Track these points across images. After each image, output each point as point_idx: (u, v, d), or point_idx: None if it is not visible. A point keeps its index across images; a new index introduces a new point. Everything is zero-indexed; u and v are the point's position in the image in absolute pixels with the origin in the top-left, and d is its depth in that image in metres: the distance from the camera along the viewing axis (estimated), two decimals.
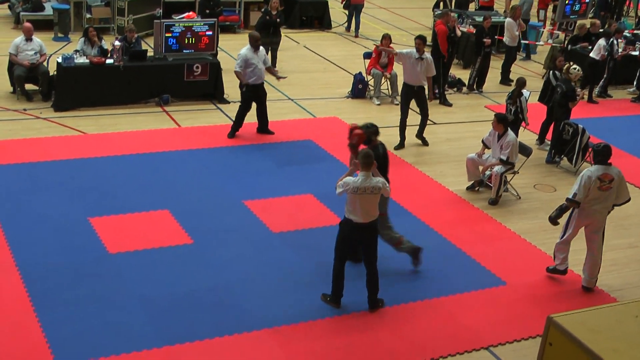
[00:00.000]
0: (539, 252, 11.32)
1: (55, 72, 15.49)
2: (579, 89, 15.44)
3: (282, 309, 9.43)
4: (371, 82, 17.66)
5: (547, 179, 14.04)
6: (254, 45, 14.19)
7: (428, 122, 15.61)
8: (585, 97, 18.26)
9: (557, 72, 15.15)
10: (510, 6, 20.37)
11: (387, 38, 17.13)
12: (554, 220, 10.49)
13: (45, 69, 15.74)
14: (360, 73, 17.82)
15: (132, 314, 9.07)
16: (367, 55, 18.07)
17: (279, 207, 11.93)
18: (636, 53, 19.82)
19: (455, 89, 18.69)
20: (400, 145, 14.72)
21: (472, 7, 23.64)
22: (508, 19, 19.22)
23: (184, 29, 16.16)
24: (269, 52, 18.71)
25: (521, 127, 14.52)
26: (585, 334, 6.40)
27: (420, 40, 14.55)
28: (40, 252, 10.15)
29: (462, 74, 19.34)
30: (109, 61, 15.47)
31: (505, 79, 19.47)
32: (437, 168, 13.97)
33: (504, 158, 12.55)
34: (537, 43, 22.92)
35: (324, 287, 9.86)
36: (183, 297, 9.47)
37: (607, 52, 18.53)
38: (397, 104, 17.15)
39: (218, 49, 17.66)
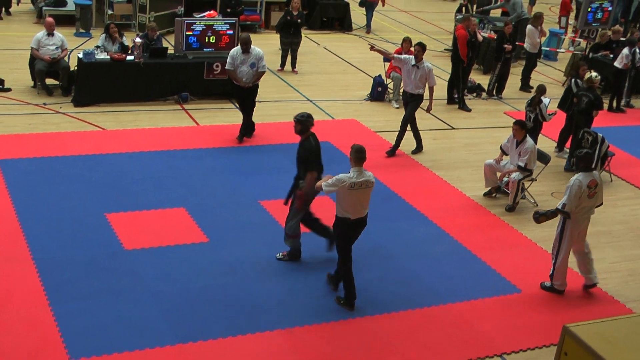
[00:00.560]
0: None
1: (75, 67, 15.56)
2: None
3: (295, 309, 9.43)
4: (390, 85, 17.63)
5: (564, 187, 13.82)
6: (242, 48, 13.97)
7: (446, 126, 15.58)
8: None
9: (578, 80, 15.06)
10: (533, 13, 20.27)
11: (407, 41, 17.09)
12: (538, 219, 10.45)
13: (66, 64, 15.81)
14: (379, 76, 17.81)
15: (146, 310, 9.09)
16: (387, 59, 18.03)
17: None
18: None
19: (474, 94, 18.64)
20: (392, 152, 14.44)
21: (493, 12, 23.58)
22: (529, 26, 19.16)
23: (204, 27, 16.19)
24: (289, 53, 18.76)
25: (540, 134, 14.46)
26: (600, 344, 6.38)
27: (420, 47, 14.17)
28: (57, 246, 10.20)
29: (482, 80, 19.29)
30: (130, 58, 15.52)
31: (525, 85, 19.42)
32: (455, 173, 13.93)
33: (522, 165, 12.50)
34: (558, 50, 22.84)
35: (339, 289, 9.86)
36: (197, 295, 9.49)
37: (630, 61, 18.43)
38: (397, 107, 17.15)
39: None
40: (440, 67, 20.39)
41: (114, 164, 12.78)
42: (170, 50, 16.54)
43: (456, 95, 17.73)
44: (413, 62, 14.14)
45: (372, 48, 14.75)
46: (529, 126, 13.46)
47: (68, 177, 12.16)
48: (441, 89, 18.24)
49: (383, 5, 24.46)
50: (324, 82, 18.25)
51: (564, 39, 23.67)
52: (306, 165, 10.08)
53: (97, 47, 15.71)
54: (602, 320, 7.07)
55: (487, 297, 10.14)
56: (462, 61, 17.35)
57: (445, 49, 22.32)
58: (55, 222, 10.79)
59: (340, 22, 23.88)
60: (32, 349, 8.19)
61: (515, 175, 12.58)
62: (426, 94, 14.39)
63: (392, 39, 22.84)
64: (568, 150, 14.89)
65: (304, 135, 10.19)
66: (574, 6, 25.08)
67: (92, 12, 20.55)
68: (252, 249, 10.62)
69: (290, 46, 18.72)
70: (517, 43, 19.98)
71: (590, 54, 20.03)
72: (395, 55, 14.78)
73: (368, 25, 24.03)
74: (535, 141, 13.44)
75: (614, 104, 18.71)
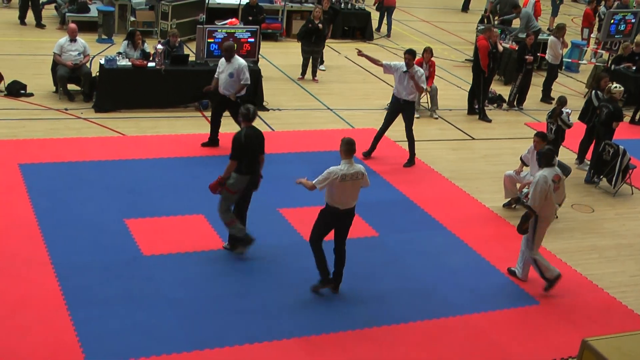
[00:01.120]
0: (574, 272, 11.19)
1: (97, 73, 15.64)
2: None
3: (311, 318, 9.42)
4: None
5: (585, 199, 13.89)
6: (225, 56, 13.77)
7: (466, 137, 15.54)
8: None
9: (599, 92, 14.98)
10: (555, 24, 20.17)
11: (428, 51, 17.08)
12: (523, 229, 10.50)
13: (88, 69, 15.90)
14: None
15: (164, 316, 9.11)
16: None
17: (314, 216, 11.89)
18: None
19: (495, 105, 18.57)
20: (368, 154, 14.34)
21: (515, 23, 23.50)
22: (552, 37, 19.08)
23: (226, 35, 16.23)
24: (310, 61, 18.78)
25: (561, 146, 14.39)
26: (620, 359, 6.31)
27: (410, 55, 14.09)
28: (75, 251, 10.24)
29: (503, 90, 19.23)
30: (151, 64, 15.58)
31: (546, 97, 19.33)
32: (474, 184, 13.88)
33: None
34: (580, 62, 22.73)
35: (355, 298, 9.88)
36: (214, 302, 9.50)
37: None
38: (437, 118, 17.14)
39: (259, 56, 17.71)
40: (461, 78, 20.36)
41: (134, 170, 12.82)
42: (192, 58, 16.59)
43: (477, 106, 17.68)
44: (405, 69, 14.07)
45: (359, 53, 14.72)
46: (550, 138, 13.40)
47: (88, 182, 12.22)
48: (462, 100, 18.23)
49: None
50: (344, 91, 18.25)
51: (586, 50, 23.56)
52: (230, 152, 10.26)
53: (119, 53, 15.79)
54: (621, 334, 7.02)
55: (505, 308, 10.09)
56: (483, 72, 17.29)
57: (466, 60, 22.28)
58: (75, 227, 10.83)
59: (361, 32, 23.89)
60: (49, 353, 8.23)
61: None
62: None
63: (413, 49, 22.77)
64: (588, 162, 14.80)
65: (243, 125, 10.43)
66: (596, 18, 24.94)
67: (115, 19, 20.67)
68: (270, 257, 10.61)
69: (311, 55, 18.73)
70: (538, 54, 19.93)
71: (613, 66, 19.92)
72: (384, 62, 14.66)
73: (388, 29, 24.37)
74: (557, 153, 13.35)
75: (637, 117, 18.58)
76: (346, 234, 9.90)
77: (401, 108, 14.27)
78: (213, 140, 14.16)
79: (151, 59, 15.79)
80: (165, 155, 13.54)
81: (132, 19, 20.73)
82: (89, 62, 16.10)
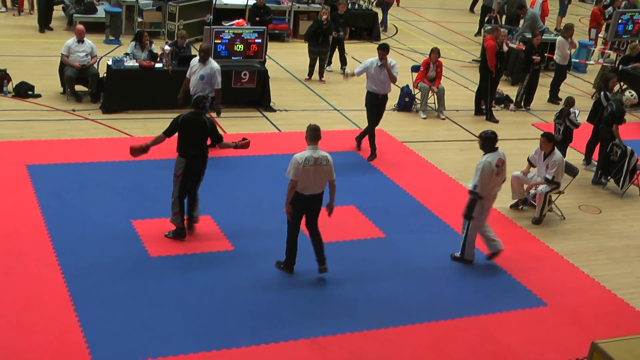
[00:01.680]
0: (582, 274, 11.17)
1: (105, 74, 15.67)
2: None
3: (319, 319, 9.42)
4: (418, 96, 17.58)
5: (592, 200, 13.86)
6: (200, 57, 13.65)
7: (473, 137, 15.48)
8: None
9: (608, 93, 14.93)
10: (563, 25, 20.10)
11: (435, 52, 17.09)
12: (468, 215, 10.81)
13: (95, 70, 15.93)
14: (407, 86, 17.77)
15: (171, 317, 9.11)
16: (414, 69, 18.02)
17: (321, 218, 11.83)
18: None
19: (502, 106, 18.54)
20: (373, 156, 14.43)
21: (522, 23, 23.47)
22: (560, 38, 19.04)
23: (233, 35, 16.25)
24: (317, 62, 18.77)
25: (568, 147, 14.36)
26: None
27: (383, 50, 14.19)
28: (83, 251, 10.26)
29: (510, 91, 19.20)
30: (158, 65, 15.60)
31: (553, 97, 19.29)
32: None
33: (550, 177, 12.41)
34: (587, 62, 22.68)
35: (362, 299, 9.88)
36: (221, 304, 9.50)
37: None
38: (444, 119, 17.12)
39: (266, 57, 17.72)
40: (468, 78, 20.33)
41: (141, 171, 12.84)
42: None
43: (484, 107, 17.65)
44: (379, 63, 14.15)
45: (345, 76, 15.05)
46: (557, 138, 13.39)
47: (95, 183, 12.24)
48: (469, 100, 18.20)
49: (397, 5, 24.68)
50: (351, 91, 18.22)
51: (594, 50, 23.50)
52: None
53: (127, 54, 15.81)
54: (631, 337, 6.99)
55: (513, 310, 10.07)
56: (491, 72, 17.26)
57: (473, 60, 22.24)
58: (82, 228, 10.86)
59: (368, 32, 23.88)
60: (57, 353, 8.25)
61: (543, 187, 12.49)
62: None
63: (420, 49, 22.80)
64: (595, 163, 14.77)
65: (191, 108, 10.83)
66: (604, 18, 24.90)
67: (122, 20, 20.70)
68: (277, 258, 10.60)
69: (318, 55, 18.73)
70: (546, 54, 19.89)
71: (620, 66, 19.87)
72: (355, 70, 14.72)
73: (384, 24, 24.83)
74: (564, 154, 13.35)
75: None
76: (315, 219, 10.19)
77: (379, 103, 14.46)
78: None
79: (158, 59, 15.81)
80: (172, 156, 13.44)
81: (140, 19, 20.76)
82: (96, 63, 16.12)
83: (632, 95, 14.38)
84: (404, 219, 12.24)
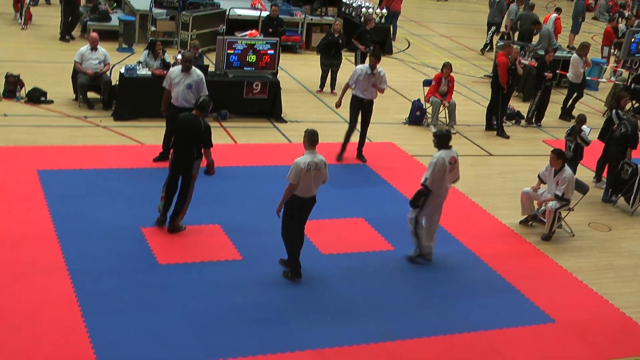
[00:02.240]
0: (590, 291, 11.13)
1: (117, 82, 15.73)
2: None
3: (326, 330, 9.40)
4: (429, 110, 17.60)
5: (602, 217, 13.82)
6: (183, 66, 13.09)
7: (484, 152, 15.50)
8: None
9: (619, 112, 14.90)
10: (575, 42, 20.04)
11: (447, 67, 17.11)
12: (414, 203, 11.10)
13: (108, 78, 16.00)
14: (418, 100, 17.79)
15: (178, 325, 9.11)
16: (426, 83, 18.03)
17: (330, 229, 11.93)
18: None
19: (513, 122, 18.53)
20: (340, 156, 14.65)
21: (535, 39, 23.50)
22: (575, 55, 18.99)
23: (246, 46, 16.30)
24: (329, 74, 18.80)
25: (579, 165, 14.34)
26: None
27: (376, 58, 14.43)
28: (92, 258, 10.28)
29: (522, 107, 19.18)
30: None
31: (565, 114, 19.25)
32: (491, 200, 13.84)
33: (560, 194, 12.39)
34: (599, 80, 22.66)
35: (370, 312, 9.89)
36: (229, 313, 9.50)
37: None
38: (454, 133, 17.10)
39: (278, 68, 17.77)
40: (479, 94, 20.33)
41: (151, 179, 12.84)
42: (211, 68, 16.65)
43: (495, 122, 17.64)
44: (369, 71, 14.33)
45: (337, 105, 15.02)
46: (568, 155, 13.37)
47: (106, 190, 12.27)
48: (480, 115, 18.20)
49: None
50: None
51: (606, 68, 23.49)
52: None
53: (139, 62, 15.86)
54: None
55: (520, 326, 10.03)
56: (502, 88, 17.26)
57: (485, 75, 22.26)
58: (91, 234, 10.88)
59: (381, 46, 23.88)
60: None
61: (552, 204, 12.46)
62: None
63: (432, 64, 22.83)
64: (606, 180, 14.74)
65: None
66: (617, 36, 24.89)
67: (135, 28, 20.79)
68: (285, 269, 10.60)
69: (330, 67, 18.77)
70: (557, 71, 19.88)
71: (633, 85, 19.85)
72: (349, 81, 14.75)
73: (394, 33, 25.02)
74: (574, 171, 13.33)
75: None
76: (306, 220, 10.36)
77: (364, 108, 14.62)
78: (165, 155, 13.36)
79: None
80: None
81: (153, 28, 20.83)
82: (109, 70, 16.19)
83: None
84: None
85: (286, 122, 16.51)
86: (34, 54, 19.02)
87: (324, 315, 9.75)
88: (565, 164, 12.57)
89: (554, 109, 19.14)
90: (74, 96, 16.07)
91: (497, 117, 17.56)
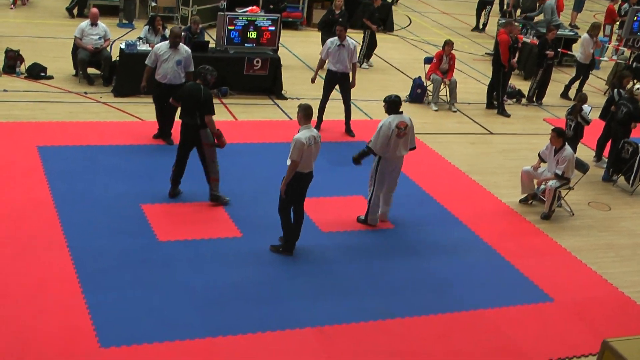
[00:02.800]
0: (589, 270, 11.15)
1: (117, 58, 15.68)
2: None
3: (326, 308, 9.42)
4: (430, 88, 17.56)
5: (602, 197, 13.82)
6: (171, 42, 13.01)
7: (485, 131, 15.47)
8: None
9: (621, 91, 14.87)
10: (592, 23, 19.84)
11: (449, 44, 17.04)
12: (356, 160, 11.42)
13: (108, 54, 15.95)
14: (419, 77, 17.74)
15: (178, 302, 9.13)
16: (427, 60, 17.97)
17: (330, 207, 11.93)
18: None
19: (514, 100, 18.50)
20: (317, 128, 14.53)
21: (538, 18, 23.41)
22: (585, 35, 18.81)
23: (247, 22, 16.24)
24: None
25: (579, 144, 14.33)
26: None
27: (342, 27, 14.71)
28: (92, 235, 10.29)
29: (523, 85, 19.14)
30: None
31: (565, 94, 19.17)
32: (491, 178, 13.83)
33: (560, 173, 12.38)
34: (601, 59, 22.57)
35: (370, 290, 9.90)
36: (228, 290, 9.52)
37: None
38: (455, 111, 17.09)
39: (279, 44, 17.70)
40: (480, 71, 20.28)
41: (152, 155, 12.87)
42: (212, 44, 16.60)
43: (496, 100, 17.60)
44: (338, 42, 14.48)
45: (312, 80, 15.16)
46: (568, 134, 13.35)
47: (106, 166, 12.27)
48: (481, 93, 18.17)
49: None
50: (362, 81, 18.16)
51: (608, 47, 23.40)
52: None
53: (140, 38, 15.81)
54: None
55: (519, 304, 10.06)
56: (503, 66, 17.21)
57: (486, 53, 22.19)
58: (91, 211, 10.88)
59: (382, 23, 23.79)
60: (64, 336, 8.27)
61: (552, 183, 12.46)
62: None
63: (433, 41, 22.76)
64: (606, 160, 14.73)
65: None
66: (619, 14, 24.78)
67: (136, 4, 20.73)
68: None
69: None
70: (559, 50, 19.79)
71: (634, 64, 19.78)
72: (321, 53, 14.95)
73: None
74: (575, 150, 13.31)
75: None
76: (303, 198, 10.41)
77: (338, 81, 14.77)
78: (166, 133, 13.56)
79: None
80: None
81: (153, 4, 20.74)
82: (109, 46, 16.14)
83: (638, 89, 14.32)
84: (413, 211, 12.23)
85: (287, 99, 16.48)
86: (33, 30, 18.96)
87: (323, 292, 9.77)
88: (566, 143, 12.56)
89: (555, 87, 19.09)
90: (74, 72, 16.03)
91: (497, 96, 17.51)
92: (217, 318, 8.95)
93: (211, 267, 9.95)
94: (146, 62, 13.25)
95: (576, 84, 18.99)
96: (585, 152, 15.03)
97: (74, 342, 8.22)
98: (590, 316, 10.01)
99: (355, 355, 8.69)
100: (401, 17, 25.24)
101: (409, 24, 24.92)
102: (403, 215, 11.97)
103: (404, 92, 17.69)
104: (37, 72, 15.70)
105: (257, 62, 16.17)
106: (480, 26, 25.23)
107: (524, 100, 18.57)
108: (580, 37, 22.50)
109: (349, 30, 19.89)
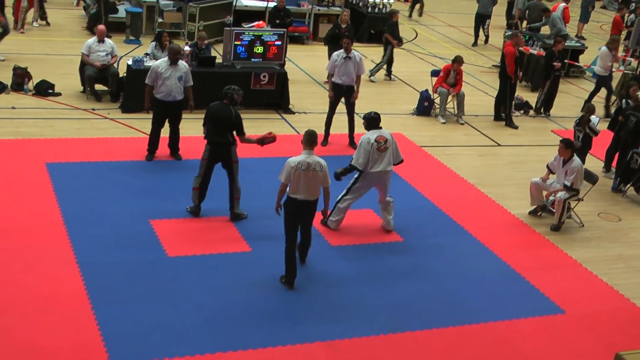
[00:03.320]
0: (600, 282, 11.10)
1: (124, 74, 15.71)
2: None
3: (335, 322, 9.39)
4: (437, 100, 17.54)
5: (611, 207, 13.77)
6: (171, 59, 12.98)
7: (493, 143, 15.44)
8: None
9: (629, 101, 14.84)
10: (611, 37, 19.74)
11: (458, 62, 16.91)
12: (338, 176, 11.46)
13: (115, 70, 15.99)
14: (426, 90, 17.74)
15: (187, 317, 9.12)
16: (434, 73, 17.97)
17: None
18: None
19: (522, 112, 18.48)
20: (325, 142, 14.84)
21: (544, 29, 23.40)
22: (604, 48, 18.80)
23: (253, 37, 16.27)
24: None
25: (588, 155, 14.29)
26: None
27: (348, 39, 14.75)
28: (101, 250, 10.29)
29: (530, 97, 19.12)
30: None
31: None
32: (500, 190, 13.80)
33: (569, 184, 12.35)
34: (622, 70, 22.50)
35: (380, 304, 9.88)
36: (238, 305, 9.50)
37: None
38: (463, 124, 17.06)
39: (286, 59, 17.73)
40: (488, 84, 20.27)
41: (160, 171, 12.87)
42: (219, 60, 16.63)
43: (503, 112, 17.58)
44: (344, 55, 14.55)
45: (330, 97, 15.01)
46: (577, 145, 13.32)
47: (114, 182, 12.28)
48: (488, 106, 18.15)
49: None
50: (370, 94, 18.19)
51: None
52: None
53: (147, 54, 15.85)
54: None
55: (530, 317, 10.01)
56: (510, 78, 17.20)
57: (493, 65, 22.18)
58: (100, 227, 10.89)
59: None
60: (74, 352, 8.26)
61: (562, 194, 12.42)
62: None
63: (440, 54, 22.77)
64: (615, 171, 14.69)
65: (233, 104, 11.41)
66: (626, 25, 24.77)
67: (142, 20, 20.77)
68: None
69: None
70: (566, 61, 19.77)
71: None
72: (327, 67, 15.04)
73: None
74: (583, 161, 13.27)
75: None
76: (309, 226, 10.26)
77: (344, 93, 14.81)
78: (174, 149, 13.61)
79: None
80: (191, 156, 13.54)
81: (160, 20, 20.81)
82: (116, 62, 16.18)
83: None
84: (422, 223, 12.21)
85: (294, 113, 16.49)
86: (41, 47, 19.02)
87: (333, 306, 9.75)
88: (574, 154, 12.53)
89: (562, 98, 19.06)
90: (81, 88, 16.07)
91: (505, 107, 17.50)
92: (227, 333, 8.93)
93: (220, 282, 9.94)
94: (146, 81, 13.18)
95: (580, 93, 18.92)
96: (593, 162, 14.99)
97: (84, 357, 8.21)
98: (602, 328, 9.96)
99: None
100: (408, 30, 25.26)
101: (416, 37, 24.94)
102: (412, 228, 11.94)
103: (411, 105, 17.71)
104: (45, 89, 15.75)
105: (264, 76, 16.19)
106: (479, 42, 25.13)
107: (531, 112, 18.55)
108: (586, 48, 22.59)
109: (354, 43, 19.99)
